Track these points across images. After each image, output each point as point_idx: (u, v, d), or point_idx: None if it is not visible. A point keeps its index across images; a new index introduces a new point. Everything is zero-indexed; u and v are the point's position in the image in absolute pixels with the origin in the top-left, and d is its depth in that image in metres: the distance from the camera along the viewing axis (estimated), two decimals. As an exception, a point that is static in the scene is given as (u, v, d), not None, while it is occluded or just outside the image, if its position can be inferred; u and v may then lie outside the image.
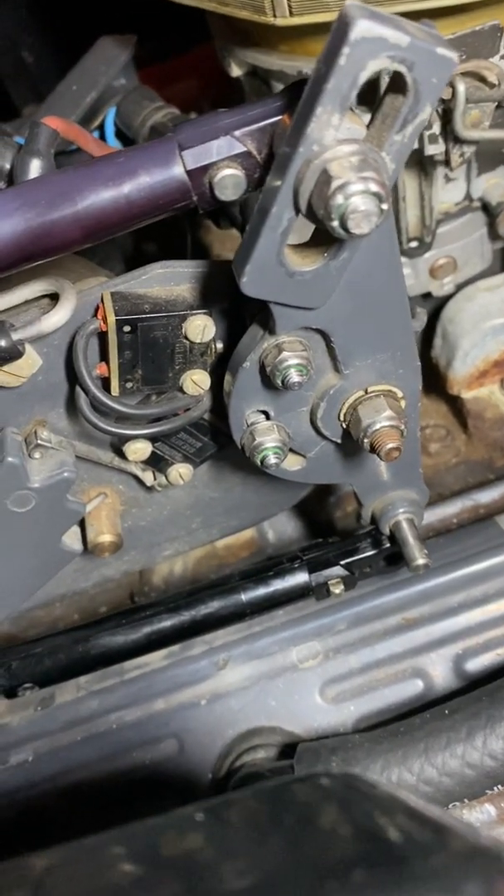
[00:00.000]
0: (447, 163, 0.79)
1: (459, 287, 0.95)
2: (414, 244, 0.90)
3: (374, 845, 0.28)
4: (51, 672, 0.75)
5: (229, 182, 0.50)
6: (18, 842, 0.80)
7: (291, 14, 0.68)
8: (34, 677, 0.75)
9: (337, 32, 0.43)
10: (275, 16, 0.70)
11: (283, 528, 1.04)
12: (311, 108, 0.44)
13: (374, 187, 0.44)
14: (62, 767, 0.80)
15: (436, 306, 0.98)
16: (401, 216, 0.88)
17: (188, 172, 0.50)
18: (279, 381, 0.58)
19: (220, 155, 0.49)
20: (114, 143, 0.91)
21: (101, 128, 0.92)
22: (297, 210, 0.48)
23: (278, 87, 0.86)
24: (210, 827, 0.31)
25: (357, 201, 0.44)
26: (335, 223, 0.45)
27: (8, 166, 0.73)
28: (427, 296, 0.96)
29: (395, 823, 0.29)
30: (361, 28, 0.42)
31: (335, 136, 0.45)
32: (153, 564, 0.88)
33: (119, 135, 0.91)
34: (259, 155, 0.50)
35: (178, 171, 0.50)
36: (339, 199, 0.44)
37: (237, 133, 0.49)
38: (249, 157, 0.50)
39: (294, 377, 0.57)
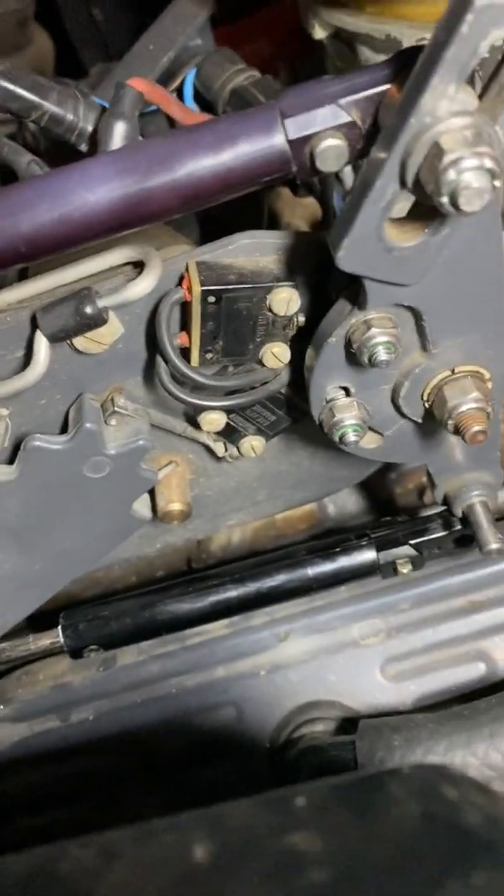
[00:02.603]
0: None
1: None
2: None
3: (489, 849, 0.27)
4: (116, 636, 0.76)
5: (332, 153, 0.48)
6: (78, 798, 0.82)
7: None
8: (100, 640, 0.76)
9: (460, -2, 0.41)
10: (368, -25, 0.68)
11: (343, 502, 1.04)
12: (427, 77, 0.43)
13: (488, 163, 0.43)
14: (122, 728, 0.81)
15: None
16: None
17: (290, 142, 0.49)
18: (366, 359, 0.57)
19: (324, 124, 0.48)
20: (192, 106, 0.89)
21: (180, 90, 0.90)
22: (403, 184, 0.46)
23: (363, 50, 0.83)
24: (300, 816, 0.31)
25: (470, 177, 0.43)
26: (444, 199, 0.44)
27: (90, 128, 0.72)
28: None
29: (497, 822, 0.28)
30: (487, -6, 0.40)
31: (449, 108, 0.44)
32: (216, 533, 0.88)
33: (197, 97, 0.89)
34: (363, 125, 0.48)
35: (279, 140, 0.49)
36: (452, 174, 0.43)
37: (342, 102, 0.48)
38: (354, 128, 0.49)
39: (382, 355, 0.56)
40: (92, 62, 1.36)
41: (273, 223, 1.07)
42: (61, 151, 0.76)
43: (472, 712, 0.69)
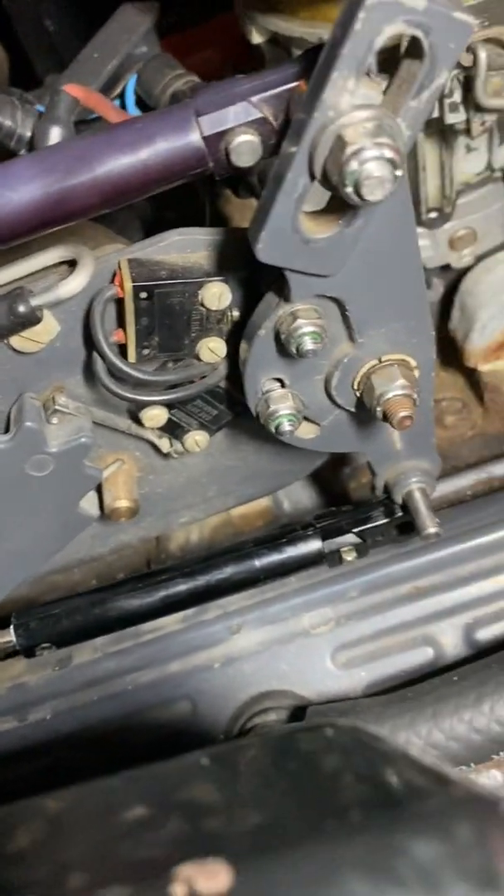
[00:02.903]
0: (468, 131, 0.78)
1: (479, 259, 0.95)
2: (433, 215, 0.90)
3: (372, 789, 0.29)
4: (68, 633, 0.77)
5: (245, 148, 0.50)
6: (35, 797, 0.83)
7: (312, -21, 0.68)
8: (52, 638, 0.77)
9: (353, -4, 0.43)
10: (295, -19, 0.70)
11: (298, 497, 1.05)
12: (326, 73, 0.45)
13: (388, 153, 0.44)
14: (79, 726, 0.82)
15: (455, 278, 0.98)
16: (420, 186, 0.88)
17: (204, 138, 0.50)
18: (294, 349, 0.58)
19: (237, 121, 0.50)
20: (134, 112, 0.91)
21: (122, 96, 0.92)
22: (312, 176, 0.48)
23: (299, 54, 0.85)
24: (215, 772, 0.32)
25: (371, 167, 0.44)
26: (349, 189, 0.45)
27: (29, 134, 0.74)
28: (446, 267, 0.96)
29: (394, 770, 0.30)
30: (378, -8, 0.42)
31: (351, 102, 0.46)
32: (169, 531, 0.89)
33: (140, 103, 0.91)
34: (275, 121, 0.50)
35: (194, 137, 0.50)
36: (354, 164, 0.45)
37: (254, 99, 0.50)
38: (266, 124, 0.50)
39: (308, 345, 0.58)
40: (45, 72, 1.37)
41: (223, 225, 1.09)
42: (1, 157, 0.78)
43: (416, 694, 0.70)
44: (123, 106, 0.91)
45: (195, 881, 0.25)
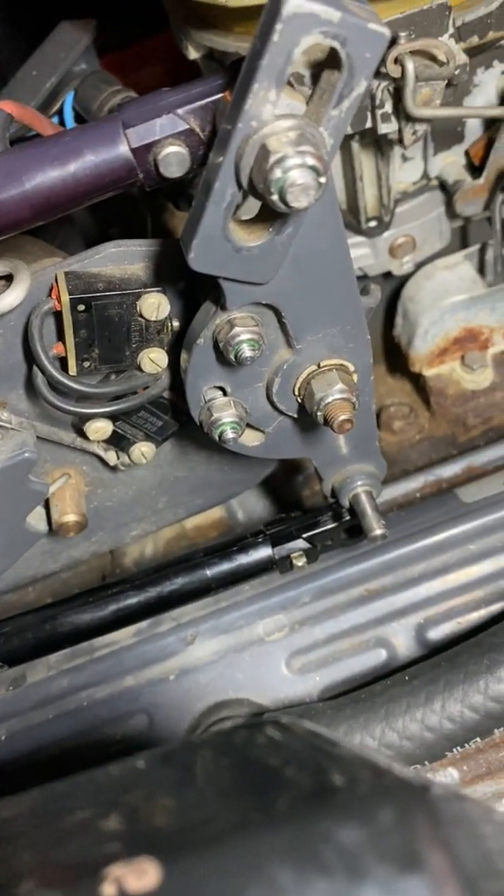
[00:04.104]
0: (400, 141, 0.80)
1: (419, 266, 0.97)
2: (373, 223, 0.91)
3: (301, 781, 0.29)
4: (19, 651, 0.76)
5: (173, 159, 0.51)
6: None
7: (242, -5, 0.69)
8: (3, 656, 0.76)
9: (270, 9, 0.44)
10: (226, -3, 0.71)
11: (252, 507, 1.06)
12: (247, 84, 0.45)
13: (311, 161, 0.45)
14: (35, 745, 0.81)
15: (397, 285, 1.00)
16: (359, 196, 0.90)
17: (133, 150, 0.51)
18: (232, 357, 0.59)
19: (164, 133, 0.50)
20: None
21: (61, 112, 0.92)
22: (240, 185, 0.49)
23: (234, 69, 0.86)
24: (151, 774, 0.32)
25: (295, 175, 0.45)
26: (275, 197, 0.46)
27: (-36, 151, 0.74)
28: (388, 275, 0.98)
29: (324, 761, 0.30)
30: (293, 4, 0.43)
31: (273, 112, 0.46)
32: (121, 545, 0.89)
33: (79, 119, 0.91)
34: (202, 132, 0.51)
35: (122, 149, 0.51)
36: (278, 172, 0.45)
37: (180, 111, 0.50)
38: (193, 135, 0.51)
39: (246, 352, 0.59)
40: (-13, 92, 1.37)
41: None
42: None
43: (369, 695, 0.71)
44: (63, 122, 0.92)
45: (125, 880, 0.25)
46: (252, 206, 0.54)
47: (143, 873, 0.25)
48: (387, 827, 0.26)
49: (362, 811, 0.26)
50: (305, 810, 0.27)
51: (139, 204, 0.89)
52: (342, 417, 0.61)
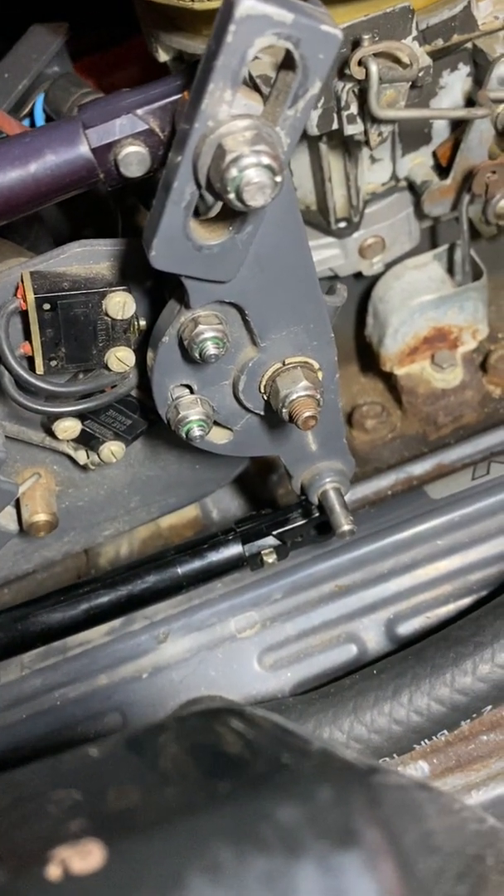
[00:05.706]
0: (367, 142, 0.81)
1: (389, 266, 0.98)
2: (342, 224, 0.92)
3: (246, 764, 0.30)
4: (-9, 650, 0.77)
5: (133, 159, 0.51)
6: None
7: (208, -2, 0.70)
8: (-25, 656, 0.76)
9: (224, 11, 0.45)
10: (193, 0, 0.72)
11: (227, 506, 1.06)
12: (203, 85, 0.46)
13: (266, 160, 0.46)
14: (9, 745, 0.81)
15: (367, 286, 1.01)
16: (328, 197, 0.90)
17: (93, 150, 0.51)
18: (197, 355, 0.60)
19: (123, 133, 0.51)
20: (43, 130, 0.91)
21: (32, 114, 0.92)
22: (198, 184, 0.49)
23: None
24: (102, 761, 0.33)
25: (251, 174, 0.46)
26: (231, 196, 0.47)
27: None
28: (358, 275, 0.99)
29: (270, 745, 0.31)
30: (246, 6, 0.43)
31: (229, 112, 0.47)
32: (94, 544, 0.89)
33: (49, 121, 0.92)
34: (162, 132, 0.52)
35: (83, 149, 0.51)
36: (234, 171, 0.46)
37: (139, 111, 0.51)
38: (152, 135, 0.52)
39: (211, 350, 0.59)
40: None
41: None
42: None
43: (338, 690, 0.72)
44: (33, 124, 0.92)
45: (69, 861, 0.26)
46: (216, 206, 0.55)
47: (88, 854, 0.26)
48: (325, 805, 0.26)
49: (303, 790, 0.27)
50: (248, 791, 0.28)
51: (110, 204, 0.90)
52: (307, 414, 0.61)
